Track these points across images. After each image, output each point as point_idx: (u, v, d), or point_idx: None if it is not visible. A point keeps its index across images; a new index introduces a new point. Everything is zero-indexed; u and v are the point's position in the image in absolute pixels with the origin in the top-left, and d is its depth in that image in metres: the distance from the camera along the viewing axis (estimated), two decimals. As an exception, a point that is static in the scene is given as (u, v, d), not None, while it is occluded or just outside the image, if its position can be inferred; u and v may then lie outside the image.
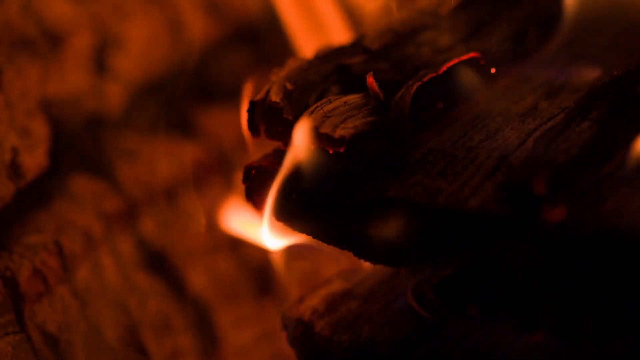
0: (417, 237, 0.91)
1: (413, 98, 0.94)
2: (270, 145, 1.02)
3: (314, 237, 0.97)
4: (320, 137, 0.94)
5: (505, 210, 0.86)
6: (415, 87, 0.95)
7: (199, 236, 1.35)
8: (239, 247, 1.38)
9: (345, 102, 0.97)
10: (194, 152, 1.38)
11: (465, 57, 0.98)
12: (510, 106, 0.97)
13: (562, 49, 1.03)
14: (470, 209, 0.87)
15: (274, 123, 0.99)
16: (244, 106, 1.00)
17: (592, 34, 1.04)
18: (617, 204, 0.84)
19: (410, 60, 1.01)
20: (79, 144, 1.31)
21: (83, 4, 1.30)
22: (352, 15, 1.40)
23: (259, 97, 1.00)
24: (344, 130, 0.93)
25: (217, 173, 1.39)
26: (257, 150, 1.04)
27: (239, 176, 1.02)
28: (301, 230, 0.98)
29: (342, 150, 0.93)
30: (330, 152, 0.94)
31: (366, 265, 1.01)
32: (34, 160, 1.21)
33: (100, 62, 1.32)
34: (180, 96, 1.38)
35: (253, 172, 1.00)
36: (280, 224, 0.98)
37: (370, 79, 0.97)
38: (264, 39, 1.45)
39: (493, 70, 0.98)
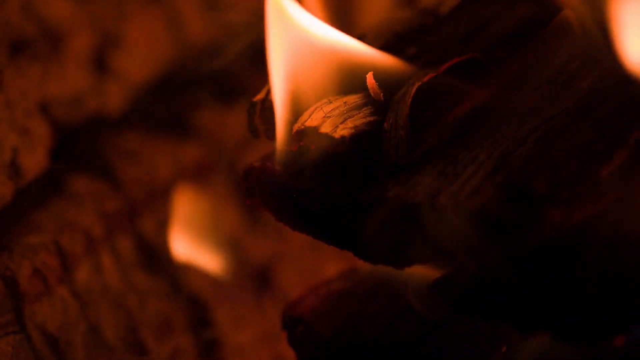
0: (417, 237, 0.91)
1: (413, 98, 0.94)
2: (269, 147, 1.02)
3: (314, 237, 0.97)
4: (320, 137, 0.94)
5: (506, 211, 0.86)
6: (415, 87, 0.95)
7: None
8: (238, 247, 1.37)
9: (345, 102, 0.97)
10: (194, 152, 1.38)
11: (465, 57, 0.98)
12: (511, 106, 0.97)
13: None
14: (470, 209, 0.87)
15: (274, 123, 0.99)
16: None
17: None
18: (617, 204, 0.84)
19: (410, 60, 1.01)
20: (79, 144, 1.31)
21: (83, 3, 1.30)
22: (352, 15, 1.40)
23: (259, 97, 1.00)
24: (344, 131, 0.93)
25: (217, 173, 1.39)
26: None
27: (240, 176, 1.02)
28: (301, 230, 0.98)
29: (342, 150, 0.93)
30: (331, 152, 0.94)
31: (366, 265, 1.01)
32: (34, 160, 1.21)
33: (100, 62, 1.32)
34: (180, 96, 1.38)
35: (253, 172, 1.00)
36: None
37: (370, 79, 0.97)
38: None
39: (493, 70, 0.98)
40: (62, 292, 1.19)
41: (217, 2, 1.43)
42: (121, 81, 1.34)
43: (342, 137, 0.93)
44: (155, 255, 1.31)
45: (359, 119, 0.95)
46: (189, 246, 1.14)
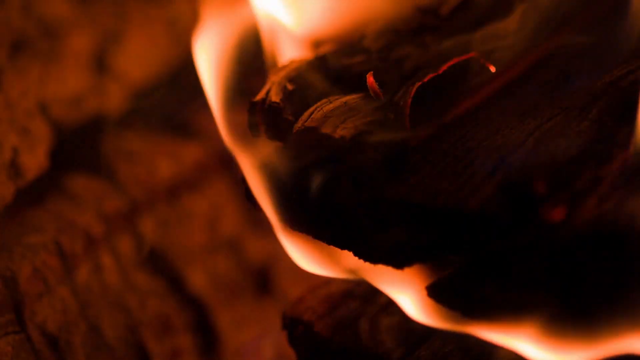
0: (417, 237, 0.91)
1: (413, 98, 0.94)
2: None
3: (314, 237, 0.97)
4: (320, 137, 0.94)
5: (505, 210, 0.86)
6: (415, 87, 0.95)
7: (199, 236, 1.35)
8: (239, 247, 1.38)
9: (345, 102, 0.97)
10: (194, 152, 1.38)
11: (465, 56, 0.98)
12: (511, 106, 0.97)
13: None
14: (470, 209, 0.87)
15: (274, 123, 0.99)
16: None
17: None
18: (617, 204, 0.84)
19: (410, 60, 1.01)
20: (79, 144, 1.31)
21: (83, 3, 1.30)
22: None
23: (259, 97, 1.00)
24: (345, 131, 0.93)
25: (217, 173, 1.39)
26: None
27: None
28: (302, 230, 0.98)
29: (342, 150, 0.93)
30: (331, 152, 0.94)
31: (366, 265, 1.01)
32: (34, 160, 1.21)
33: (100, 62, 1.32)
34: (181, 96, 1.38)
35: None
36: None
37: (370, 79, 0.97)
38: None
39: (493, 70, 0.98)
40: (62, 292, 1.19)
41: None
42: (121, 81, 1.34)
43: (342, 137, 0.93)
44: (155, 255, 1.31)
45: (359, 119, 0.95)
46: None
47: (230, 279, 1.36)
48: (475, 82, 0.98)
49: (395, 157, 0.93)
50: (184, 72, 1.37)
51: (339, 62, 1.02)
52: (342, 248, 0.96)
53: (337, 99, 0.97)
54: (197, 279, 1.33)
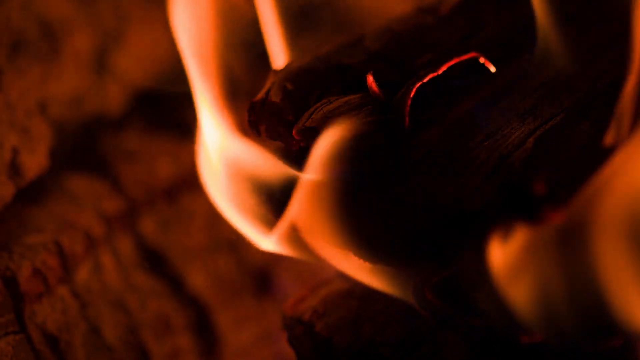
0: (417, 237, 0.91)
1: (413, 98, 0.94)
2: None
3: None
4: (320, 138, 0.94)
5: (506, 211, 0.86)
6: (415, 87, 0.95)
7: (198, 236, 1.35)
8: (239, 247, 1.38)
9: (345, 102, 0.97)
10: (194, 152, 1.38)
11: (465, 56, 0.98)
12: (511, 106, 0.97)
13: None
14: (470, 209, 0.87)
15: (274, 123, 0.99)
16: None
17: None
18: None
19: (410, 60, 1.01)
20: (79, 144, 1.31)
21: (83, 3, 1.30)
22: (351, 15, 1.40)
23: (259, 97, 1.00)
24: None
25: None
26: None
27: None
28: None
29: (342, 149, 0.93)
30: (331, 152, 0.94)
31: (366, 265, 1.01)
32: (34, 160, 1.21)
33: (100, 62, 1.32)
34: (181, 96, 1.38)
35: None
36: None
37: (370, 79, 0.97)
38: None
39: (493, 70, 0.98)
40: (62, 292, 1.19)
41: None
42: (121, 81, 1.34)
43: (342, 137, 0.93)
44: (155, 255, 1.31)
45: (359, 119, 0.95)
46: None
47: (230, 279, 1.36)
48: (475, 82, 0.98)
49: (395, 157, 0.93)
50: (184, 72, 1.37)
51: (339, 62, 1.02)
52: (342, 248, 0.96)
53: (337, 99, 0.97)
54: (197, 279, 1.33)
